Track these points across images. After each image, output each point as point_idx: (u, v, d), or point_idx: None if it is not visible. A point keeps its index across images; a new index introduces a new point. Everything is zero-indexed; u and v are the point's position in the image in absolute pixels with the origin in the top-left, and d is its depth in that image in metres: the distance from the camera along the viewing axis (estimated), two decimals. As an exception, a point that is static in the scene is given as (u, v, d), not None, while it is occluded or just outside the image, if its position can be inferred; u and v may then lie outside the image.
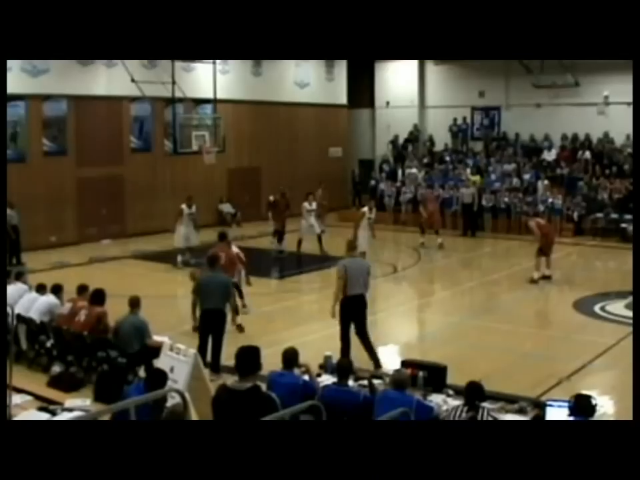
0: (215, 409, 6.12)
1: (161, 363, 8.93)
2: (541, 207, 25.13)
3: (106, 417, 5.45)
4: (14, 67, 20.57)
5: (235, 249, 14.16)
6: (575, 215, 25.07)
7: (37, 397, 9.88)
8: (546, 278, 17.44)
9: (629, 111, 22.77)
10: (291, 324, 12.35)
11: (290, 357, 7.76)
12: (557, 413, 7.15)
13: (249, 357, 6.04)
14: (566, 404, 6.88)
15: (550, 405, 7.53)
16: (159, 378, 7.26)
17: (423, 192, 26.21)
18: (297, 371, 7.75)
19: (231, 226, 26.86)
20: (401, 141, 32.52)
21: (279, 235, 21.38)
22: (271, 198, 23.31)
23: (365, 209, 19.07)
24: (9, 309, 9.83)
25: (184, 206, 19.65)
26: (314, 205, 21.55)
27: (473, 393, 6.94)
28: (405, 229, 26.79)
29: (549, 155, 28.36)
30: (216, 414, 6.09)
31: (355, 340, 10.96)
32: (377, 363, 10.93)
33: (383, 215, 26.85)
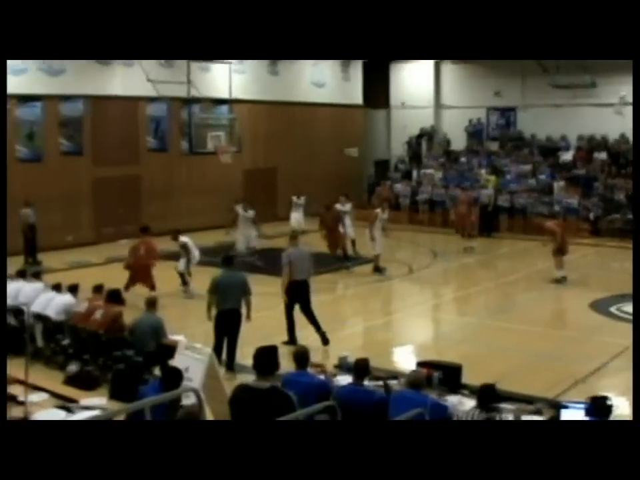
0: (233, 407, 6.15)
1: (176, 361, 8.94)
2: (557, 207, 25.04)
3: (121, 417, 5.47)
4: (31, 67, 20.70)
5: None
6: (592, 215, 24.95)
7: (54, 395, 9.94)
8: (562, 278, 17.40)
9: (646, 111, 22.62)
10: (305, 323, 12.38)
11: (301, 357, 7.73)
12: (573, 414, 7.13)
13: (267, 357, 6.11)
14: (582, 405, 6.85)
15: (566, 407, 7.50)
16: (174, 377, 7.29)
17: (457, 193, 25.29)
18: (311, 370, 7.74)
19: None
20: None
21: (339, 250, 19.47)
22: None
23: (378, 210, 18.98)
24: (25, 307, 9.89)
25: (240, 210, 20.65)
26: (347, 206, 20.59)
27: (486, 396, 6.93)
28: (421, 229, 26.77)
29: (566, 155, 28.22)
30: (235, 412, 6.12)
31: (370, 341, 10.93)
32: (324, 339, 12.18)
33: (399, 215, 26.82)
